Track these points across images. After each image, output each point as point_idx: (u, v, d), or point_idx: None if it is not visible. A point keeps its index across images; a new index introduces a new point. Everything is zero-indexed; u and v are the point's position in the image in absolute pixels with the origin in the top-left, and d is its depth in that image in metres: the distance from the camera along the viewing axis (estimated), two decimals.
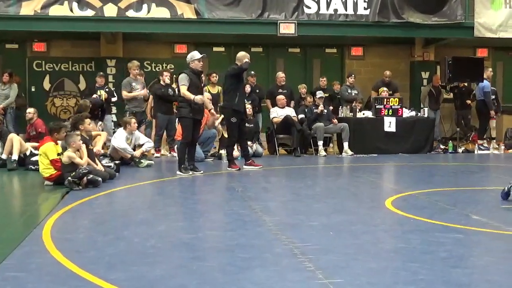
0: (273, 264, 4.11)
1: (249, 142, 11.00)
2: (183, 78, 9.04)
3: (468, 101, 14.38)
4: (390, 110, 12.93)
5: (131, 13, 13.27)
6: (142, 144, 10.46)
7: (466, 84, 14.33)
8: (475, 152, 13.34)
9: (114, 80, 14.59)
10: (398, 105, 13.01)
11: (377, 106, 12.96)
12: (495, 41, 14.87)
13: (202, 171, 9.31)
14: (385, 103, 12.97)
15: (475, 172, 10.44)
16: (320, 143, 12.53)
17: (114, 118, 13.80)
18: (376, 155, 12.46)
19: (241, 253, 4.39)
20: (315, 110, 12.74)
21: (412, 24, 14.00)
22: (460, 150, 13.38)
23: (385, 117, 12.88)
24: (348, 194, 7.73)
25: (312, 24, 13.83)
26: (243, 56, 9.65)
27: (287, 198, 7.49)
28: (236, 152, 10.37)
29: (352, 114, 13.09)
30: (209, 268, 4.01)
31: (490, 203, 6.72)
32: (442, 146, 13.48)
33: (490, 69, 14.29)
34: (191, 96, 8.90)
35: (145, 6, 13.26)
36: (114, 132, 11.34)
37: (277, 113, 12.83)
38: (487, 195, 7.40)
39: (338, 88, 14.22)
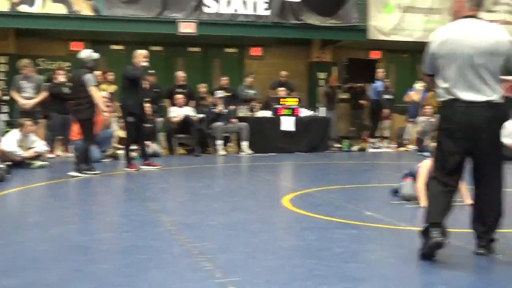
0: (171, 264, 4.06)
1: (147, 142, 10.82)
2: (93, 79, 8.84)
3: (362, 101, 14.87)
4: (288, 110, 13.15)
5: (23, 8, 12.70)
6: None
7: (360, 84, 14.82)
8: (369, 150, 13.83)
9: (6, 78, 13.92)
10: (296, 104, 13.26)
11: (275, 106, 13.14)
12: (388, 43, 15.47)
13: (99, 172, 9.07)
14: (283, 103, 13.18)
15: (368, 170, 10.83)
16: (219, 142, 12.56)
17: (5, 118, 13.14)
18: (274, 154, 12.64)
19: (138, 254, 4.30)
20: (213, 110, 12.75)
21: (310, 26, 14.31)
22: (354, 149, 13.83)
23: (283, 117, 13.09)
24: (247, 193, 7.78)
25: (212, 24, 13.81)
26: (139, 55, 9.51)
27: (186, 198, 7.45)
28: (133, 152, 10.17)
29: (251, 113, 13.21)
30: (105, 271, 3.90)
31: (382, 199, 6.97)
32: (337, 145, 13.87)
33: (381, 70, 14.84)
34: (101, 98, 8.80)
35: (38, 1, 12.73)
36: (6, 132, 10.79)
37: (176, 113, 12.72)
38: (379, 191, 7.69)
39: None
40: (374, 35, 14.74)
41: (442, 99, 4.27)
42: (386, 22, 14.82)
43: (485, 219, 4.29)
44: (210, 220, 5.64)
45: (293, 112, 13.18)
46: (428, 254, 4.13)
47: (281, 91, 13.83)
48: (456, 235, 4.47)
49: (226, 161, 11.61)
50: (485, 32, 4.15)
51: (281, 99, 13.27)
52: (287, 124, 13.05)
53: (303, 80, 16.35)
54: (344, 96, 15.61)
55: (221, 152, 12.45)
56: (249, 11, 13.91)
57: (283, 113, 13.12)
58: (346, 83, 14.55)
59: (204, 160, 11.58)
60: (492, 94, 4.12)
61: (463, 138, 4.14)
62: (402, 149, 14.24)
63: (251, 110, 13.25)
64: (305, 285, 3.68)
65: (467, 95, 4.11)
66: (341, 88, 15.26)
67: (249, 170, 10.61)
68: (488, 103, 4.10)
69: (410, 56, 16.90)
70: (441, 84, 4.25)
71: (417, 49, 16.57)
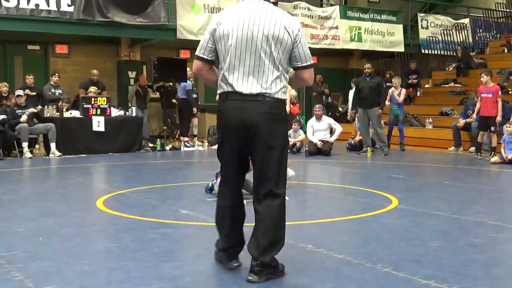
0: None
1: None
2: None
3: (174, 100, 14.96)
4: (99, 110, 12.81)
5: None
6: None
7: (171, 83, 14.89)
8: (181, 149, 13.97)
9: None
10: (106, 104, 12.96)
11: (85, 106, 12.73)
12: (197, 43, 15.70)
13: None
14: (93, 102, 12.81)
15: (182, 169, 10.93)
16: (25, 144, 11.86)
17: None
18: (85, 155, 12.25)
19: None
20: (17, 111, 12.00)
21: (117, 24, 14.07)
22: (167, 148, 13.87)
23: (93, 117, 12.72)
24: (58, 196, 7.45)
25: (11, 19, 13.00)
26: None
27: None
28: None
29: (59, 113, 12.65)
30: None
31: (196, 197, 7.10)
32: (150, 144, 13.82)
33: (189, 69, 15.03)
34: None
35: None
36: None
37: None
38: (193, 190, 7.81)
39: None
40: (182, 34, 14.90)
41: (219, 91, 3.83)
42: (194, 22, 15.05)
43: (259, 240, 3.74)
44: (17, 227, 5.33)
45: (104, 112, 12.86)
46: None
47: (93, 91, 13.45)
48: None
49: (33, 164, 10.99)
50: (272, 16, 3.72)
51: (92, 99, 12.87)
52: (99, 124, 12.70)
53: (112, 79, 16.06)
54: (154, 95, 15.60)
55: (28, 155, 11.76)
56: (52, 7, 13.30)
57: (94, 113, 12.75)
58: (156, 82, 14.54)
59: (9, 164, 10.85)
60: (271, 86, 3.71)
61: (238, 136, 3.74)
62: (214, 147, 14.57)
63: (58, 110, 12.68)
64: (123, 287, 3.64)
65: (242, 87, 3.70)
66: (151, 87, 15.23)
67: (59, 172, 10.16)
68: (263, 96, 3.70)
69: None
70: (219, 72, 3.82)
71: None
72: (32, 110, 12.17)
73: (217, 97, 4.01)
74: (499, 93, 12.03)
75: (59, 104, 12.78)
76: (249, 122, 3.68)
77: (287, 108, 8.14)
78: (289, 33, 3.70)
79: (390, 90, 13.61)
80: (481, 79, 12.13)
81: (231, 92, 3.73)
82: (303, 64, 3.81)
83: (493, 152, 11.83)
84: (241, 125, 3.69)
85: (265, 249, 3.72)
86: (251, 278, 3.74)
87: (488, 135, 12.69)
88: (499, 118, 11.82)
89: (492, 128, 11.93)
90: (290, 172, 7.11)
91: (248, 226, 3.92)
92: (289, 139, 9.25)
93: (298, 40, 3.74)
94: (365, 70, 12.85)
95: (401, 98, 13.45)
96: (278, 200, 3.76)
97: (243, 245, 3.98)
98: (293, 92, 13.67)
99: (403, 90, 13.74)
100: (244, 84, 3.70)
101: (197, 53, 3.91)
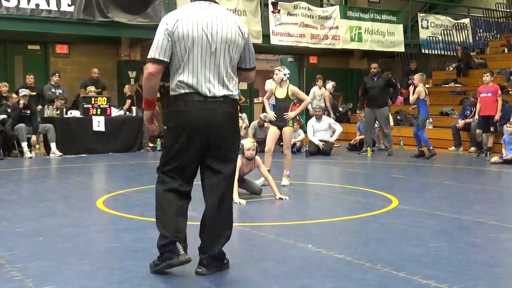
0: None
1: None
2: None
3: None
4: (99, 109, 12.82)
5: None
6: None
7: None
8: None
9: None
10: (106, 104, 12.96)
11: (85, 106, 12.73)
12: None
13: None
14: (93, 102, 12.81)
15: None
16: (24, 144, 11.86)
17: None
18: (86, 155, 12.25)
19: None
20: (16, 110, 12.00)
21: (118, 24, 14.06)
22: None
23: (93, 116, 12.72)
24: (58, 196, 7.46)
25: (12, 19, 13.00)
26: None
27: None
28: None
29: (59, 113, 12.66)
30: None
31: (196, 197, 7.00)
32: (151, 144, 13.82)
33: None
34: None
35: None
36: None
37: None
38: (193, 189, 7.77)
39: None
40: None
41: (174, 93, 3.80)
42: None
43: (208, 231, 3.88)
44: (17, 227, 5.33)
45: (104, 111, 12.87)
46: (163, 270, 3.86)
47: (93, 90, 13.45)
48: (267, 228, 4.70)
49: (33, 164, 11.00)
50: (228, 19, 3.77)
51: (92, 99, 12.87)
52: (99, 124, 12.70)
53: (112, 79, 16.05)
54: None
55: (28, 154, 11.77)
56: (52, 6, 13.29)
57: (94, 113, 12.75)
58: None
59: (9, 164, 10.86)
60: (230, 88, 3.79)
61: (199, 137, 3.75)
62: None
63: (58, 110, 12.68)
64: (123, 287, 3.64)
65: (204, 88, 3.72)
66: None
67: (60, 172, 10.16)
68: (225, 97, 3.76)
69: None
70: (175, 74, 3.78)
71: None
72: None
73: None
74: (499, 92, 12.03)
75: (60, 104, 12.75)
76: (214, 122, 3.73)
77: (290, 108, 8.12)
78: (242, 35, 3.80)
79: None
80: (484, 78, 12.12)
81: (192, 93, 3.72)
82: (251, 67, 3.97)
83: (488, 152, 11.85)
84: (205, 126, 3.72)
85: (214, 244, 3.86)
86: (200, 270, 3.85)
87: (487, 135, 12.72)
88: (497, 117, 11.83)
89: (492, 129, 11.93)
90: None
91: (246, 226, 3.92)
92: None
93: (248, 42, 3.87)
94: (372, 69, 12.78)
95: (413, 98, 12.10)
96: (228, 200, 3.94)
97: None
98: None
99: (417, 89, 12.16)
100: (207, 86, 3.71)
101: (154, 55, 3.76)
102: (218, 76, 3.74)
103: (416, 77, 12.15)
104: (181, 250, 3.76)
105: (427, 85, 18.16)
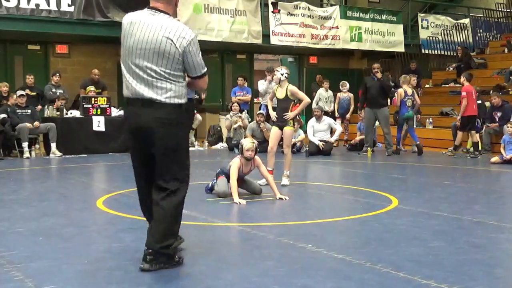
0: None
1: None
2: None
3: None
4: (99, 109, 12.81)
5: None
6: None
7: None
8: None
9: None
10: (106, 104, 12.96)
11: (85, 106, 12.73)
12: (200, 43, 15.71)
13: None
14: (93, 102, 12.81)
15: None
16: (25, 144, 11.86)
17: None
18: (86, 155, 12.25)
19: None
20: (18, 111, 12.00)
21: (118, 24, 13.97)
22: None
23: (93, 116, 12.72)
24: (58, 196, 7.45)
25: (12, 19, 13.00)
26: None
27: None
28: None
29: (59, 113, 12.66)
30: None
31: (196, 197, 7.08)
32: None
33: None
34: None
35: None
36: None
37: None
38: (194, 190, 7.79)
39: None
40: None
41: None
42: (194, 22, 15.04)
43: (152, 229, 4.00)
44: (17, 227, 5.33)
45: (104, 111, 12.86)
46: None
47: (93, 90, 13.44)
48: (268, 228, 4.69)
49: (34, 164, 11.00)
50: (156, 28, 3.85)
51: (92, 99, 12.87)
52: (99, 124, 12.70)
53: (112, 79, 16.03)
54: None
55: (26, 155, 11.76)
56: (52, 6, 13.30)
57: (94, 113, 12.75)
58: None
59: (9, 164, 10.86)
60: (159, 94, 3.88)
61: (138, 140, 4.02)
62: (214, 147, 14.55)
63: (59, 110, 12.68)
64: (122, 286, 3.64)
65: (135, 93, 3.91)
66: None
67: (60, 172, 10.16)
68: (155, 103, 3.87)
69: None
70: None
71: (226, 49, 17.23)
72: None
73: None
74: (463, 93, 12.24)
75: (60, 104, 12.75)
76: (145, 127, 3.90)
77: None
78: (175, 45, 3.84)
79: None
80: (461, 80, 12.58)
81: (130, 98, 3.96)
82: (194, 75, 4.04)
83: (469, 150, 12.32)
84: (139, 130, 3.95)
85: (158, 239, 3.93)
86: (142, 266, 3.94)
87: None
88: (459, 117, 12.38)
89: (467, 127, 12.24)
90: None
91: (246, 226, 3.92)
92: None
93: (187, 51, 3.90)
94: (374, 69, 12.75)
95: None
96: (174, 197, 4.03)
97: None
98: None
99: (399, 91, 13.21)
100: (139, 90, 3.88)
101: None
102: (148, 82, 3.87)
103: (401, 79, 13.19)
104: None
105: (427, 85, 18.28)
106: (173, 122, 3.92)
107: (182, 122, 4.01)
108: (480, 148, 12.48)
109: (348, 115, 15.09)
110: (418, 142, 12.76)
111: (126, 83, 3.96)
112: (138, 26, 3.89)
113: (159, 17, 3.91)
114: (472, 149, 12.43)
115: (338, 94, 15.38)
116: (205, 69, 4.10)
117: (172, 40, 3.83)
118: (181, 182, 4.09)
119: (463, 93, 12.20)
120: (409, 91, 12.88)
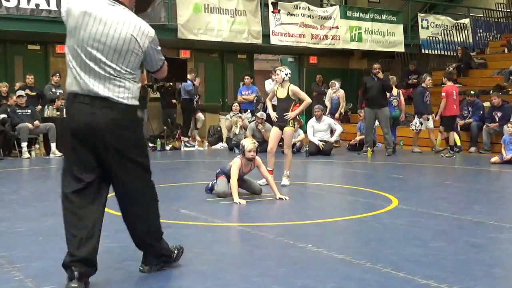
0: None
1: None
2: None
3: (174, 100, 14.95)
4: None
5: None
6: None
7: (171, 83, 14.87)
8: (182, 149, 13.96)
9: None
10: None
11: None
12: (197, 43, 15.73)
13: None
14: None
15: (182, 169, 10.93)
16: (24, 144, 11.85)
17: None
18: None
19: None
20: (18, 111, 12.00)
21: None
22: (167, 148, 13.87)
23: None
24: (58, 196, 7.37)
25: (11, 19, 13.00)
26: None
27: None
28: None
29: (59, 113, 12.66)
30: None
31: (196, 197, 7.10)
32: (150, 144, 13.81)
33: (191, 69, 15.03)
34: None
35: None
36: None
37: None
38: (194, 190, 7.81)
39: None
40: (183, 34, 14.89)
41: (68, 90, 3.68)
42: (194, 22, 15.04)
43: (134, 232, 4.02)
44: (18, 227, 5.33)
45: None
46: None
47: None
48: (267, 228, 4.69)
49: (34, 164, 11.00)
50: (118, 23, 3.58)
51: None
52: None
53: None
54: (155, 95, 15.58)
55: (26, 155, 11.76)
56: (52, 6, 13.30)
57: None
58: (156, 82, 14.49)
59: (9, 164, 10.86)
60: (115, 92, 3.57)
61: (86, 142, 3.63)
62: (214, 147, 14.56)
63: (59, 110, 12.68)
64: (122, 286, 3.64)
65: (87, 89, 3.56)
66: (152, 87, 15.19)
67: (60, 172, 10.13)
68: (111, 101, 3.56)
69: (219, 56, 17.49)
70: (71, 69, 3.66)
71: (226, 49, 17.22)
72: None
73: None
74: (443, 94, 12.56)
75: (60, 104, 12.74)
76: (98, 128, 3.56)
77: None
78: (139, 43, 3.60)
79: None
80: (443, 80, 12.92)
81: (79, 94, 3.59)
82: (154, 70, 3.91)
83: (448, 148, 12.48)
84: (89, 131, 3.57)
85: (146, 242, 3.99)
86: (141, 268, 3.97)
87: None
88: (437, 117, 12.81)
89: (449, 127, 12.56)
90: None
91: (246, 226, 3.92)
92: None
93: (149, 49, 3.68)
94: (375, 70, 12.74)
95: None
96: (145, 196, 4.15)
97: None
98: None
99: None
100: (93, 87, 3.54)
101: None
102: (105, 79, 3.56)
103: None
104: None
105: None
106: (129, 125, 3.67)
107: (138, 125, 3.81)
108: (455, 148, 12.66)
109: (337, 115, 15.00)
110: (396, 142, 13.20)
111: (74, 76, 3.59)
112: (96, 17, 3.55)
113: (119, 10, 3.62)
114: (438, 147, 13.01)
115: (328, 93, 15.38)
116: (163, 59, 3.90)
117: (136, 38, 3.58)
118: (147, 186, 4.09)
119: (443, 93, 12.56)
120: (395, 91, 13.31)
